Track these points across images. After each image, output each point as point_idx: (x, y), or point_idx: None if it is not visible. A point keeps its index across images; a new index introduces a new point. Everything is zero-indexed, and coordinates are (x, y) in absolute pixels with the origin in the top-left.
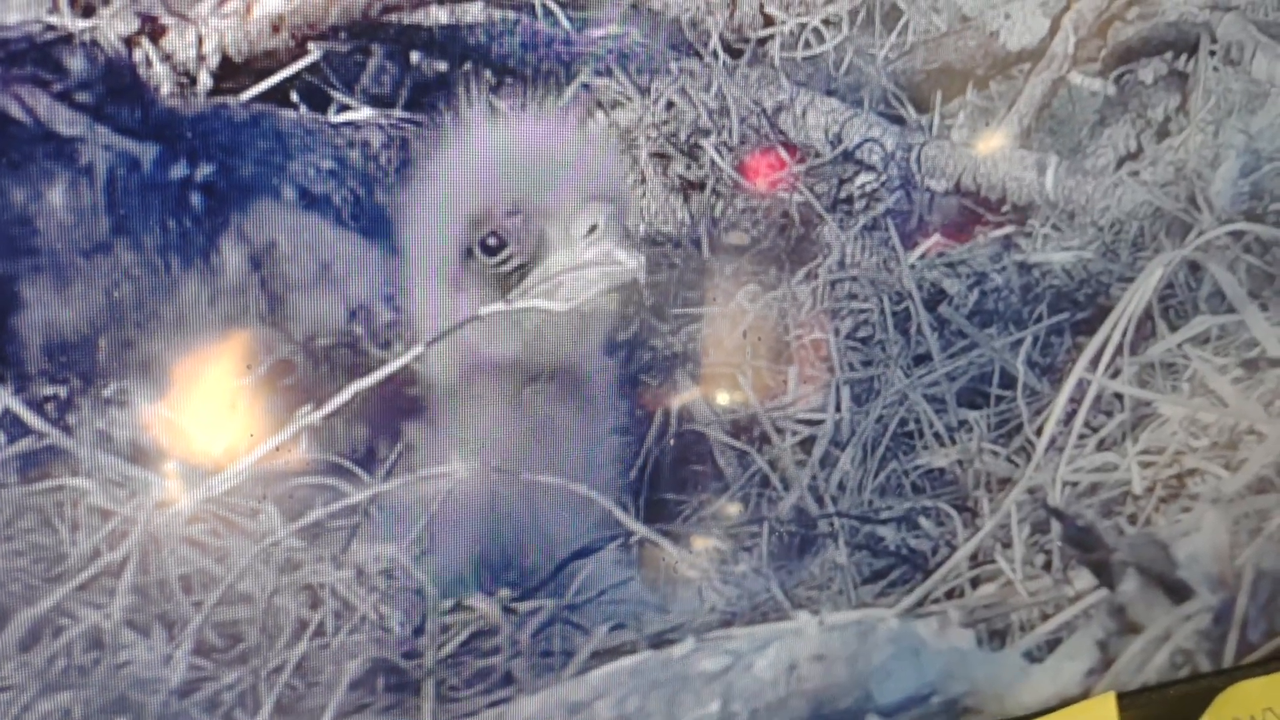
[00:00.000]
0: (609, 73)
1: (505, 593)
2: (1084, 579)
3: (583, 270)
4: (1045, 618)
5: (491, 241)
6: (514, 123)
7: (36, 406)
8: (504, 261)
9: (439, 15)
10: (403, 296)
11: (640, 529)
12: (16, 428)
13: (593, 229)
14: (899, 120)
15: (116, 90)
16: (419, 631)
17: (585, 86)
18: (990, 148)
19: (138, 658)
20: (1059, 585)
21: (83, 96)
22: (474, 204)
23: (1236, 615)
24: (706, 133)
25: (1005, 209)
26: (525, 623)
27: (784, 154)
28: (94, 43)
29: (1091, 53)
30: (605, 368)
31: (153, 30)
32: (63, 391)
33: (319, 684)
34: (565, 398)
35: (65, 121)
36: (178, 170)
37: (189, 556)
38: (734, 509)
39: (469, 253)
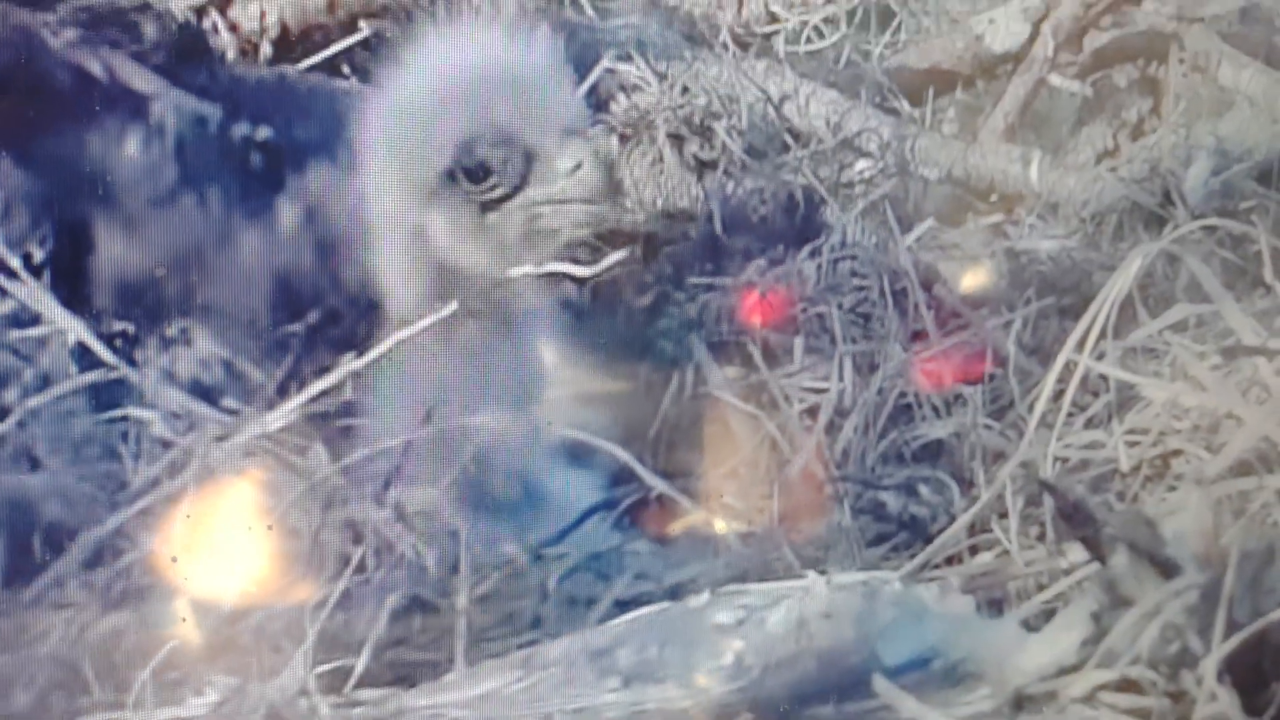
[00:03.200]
0: (629, 58)
1: (532, 539)
2: (1077, 551)
3: (564, 205)
4: (1041, 588)
5: (476, 168)
6: (515, 46)
7: (106, 340)
8: (489, 189)
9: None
10: (368, 205)
11: (660, 485)
12: (86, 360)
13: (578, 166)
14: (894, 112)
15: (186, 54)
16: (453, 571)
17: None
18: (979, 141)
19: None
20: (1053, 556)
21: (156, 58)
22: (461, 126)
23: (1224, 594)
24: (718, 116)
25: (993, 198)
26: (551, 569)
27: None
28: (167, 10)
29: (1070, 57)
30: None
31: (220, 1)
32: (130, 328)
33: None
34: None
35: (140, 79)
36: (240, 129)
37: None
38: (746, 470)
39: (450, 175)
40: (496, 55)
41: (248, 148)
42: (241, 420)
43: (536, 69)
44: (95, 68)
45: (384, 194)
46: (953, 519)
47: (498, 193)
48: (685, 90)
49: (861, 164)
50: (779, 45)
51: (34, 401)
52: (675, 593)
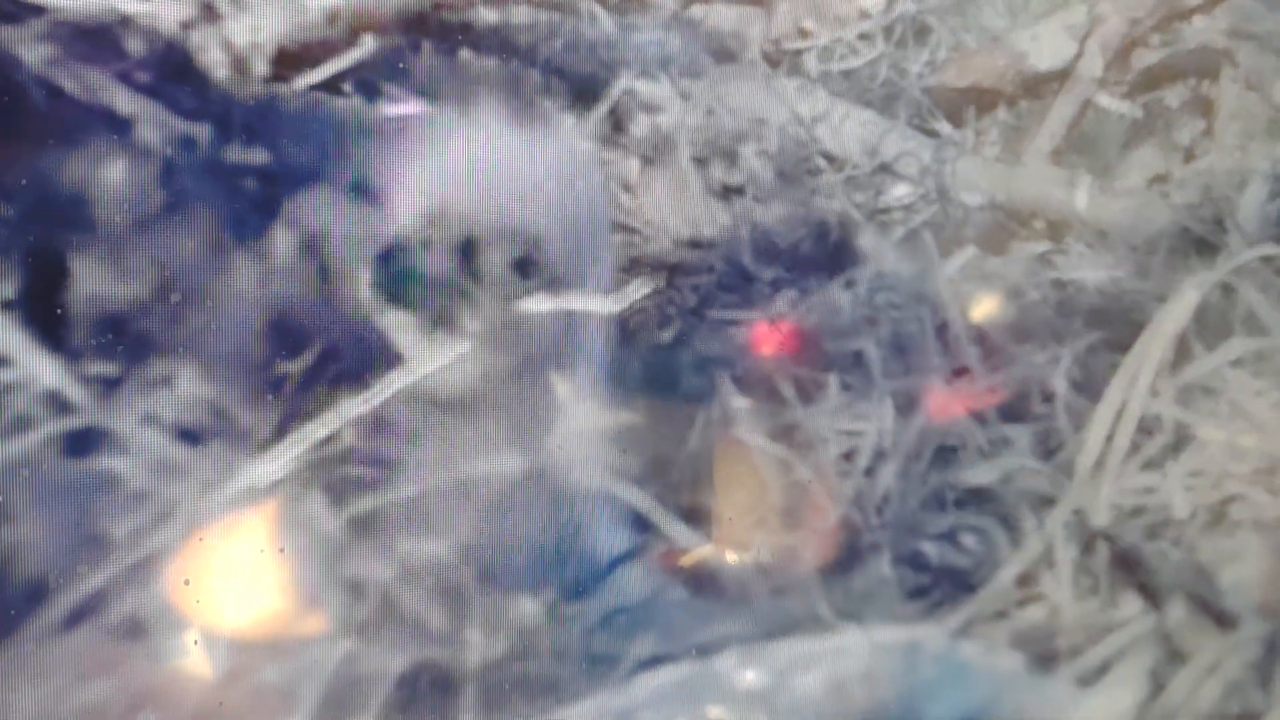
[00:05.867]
0: (652, 76)
1: (550, 595)
2: (1130, 603)
3: None
4: (1093, 642)
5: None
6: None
7: (83, 383)
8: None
9: (487, 16)
10: None
11: (684, 535)
12: (61, 404)
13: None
14: (933, 134)
15: (173, 72)
16: (463, 632)
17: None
18: (1023, 164)
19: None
20: (1106, 609)
21: (141, 77)
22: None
23: None
24: (746, 139)
25: (1039, 225)
26: (571, 627)
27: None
28: (152, 25)
29: (1118, 75)
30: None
31: (210, 15)
32: (110, 369)
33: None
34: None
35: (123, 100)
36: (232, 153)
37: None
38: (777, 517)
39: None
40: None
41: (240, 173)
42: (232, 469)
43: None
44: (74, 87)
45: None
46: (999, 570)
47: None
48: (710, 111)
49: (899, 189)
50: (811, 63)
51: (3, 450)
52: (702, 651)
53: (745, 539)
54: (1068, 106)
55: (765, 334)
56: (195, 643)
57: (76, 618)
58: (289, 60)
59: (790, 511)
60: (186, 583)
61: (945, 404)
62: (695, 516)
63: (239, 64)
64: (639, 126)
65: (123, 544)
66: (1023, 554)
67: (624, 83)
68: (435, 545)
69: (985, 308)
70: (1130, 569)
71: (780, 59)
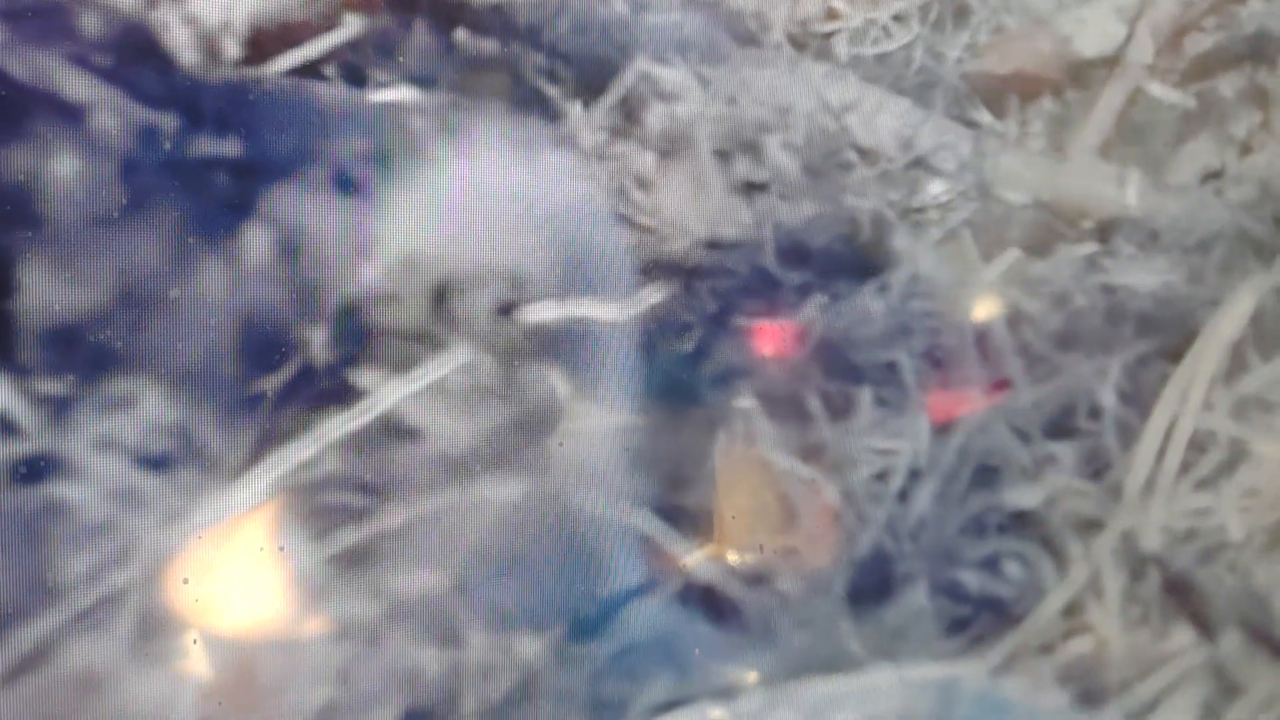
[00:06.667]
0: (667, 61)
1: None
2: (1182, 634)
3: None
4: (1143, 676)
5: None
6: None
7: (32, 403)
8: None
9: None
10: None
11: (700, 563)
12: (6, 427)
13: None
14: (973, 125)
15: (134, 55)
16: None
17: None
18: (1069, 158)
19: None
20: (1158, 640)
21: (98, 60)
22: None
23: None
24: (770, 130)
25: (1087, 225)
26: (577, 668)
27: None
28: (110, 3)
29: (1170, 62)
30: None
31: None
32: (62, 388)
33: None
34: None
35: (78, 85)
36: (200, 145)
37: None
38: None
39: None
40: None
41: (210, 167)
42: (199, 498)
43: None
44: (21, 71)
45: None
46: (1043, 600)
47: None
48: (732, 99)
49: (936, 185)
50: (841, 46)
51: None
52: (724, 694)
53: (769, 567)
54: (1116, 96)
55: (768, 333)
56: (195, 642)
57: (21, 668)
58: (264, 42)
59: (812, 535)
60: (185, 581)
61: (947, 405)
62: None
63: (208, 46)
64: (653, 116)
65: (77, 583)
66: (1068, 582)
67: (637, 68)
68: (425, 579)
69: (1029, 315)
70: (1182, 597)
71: (808, 42)
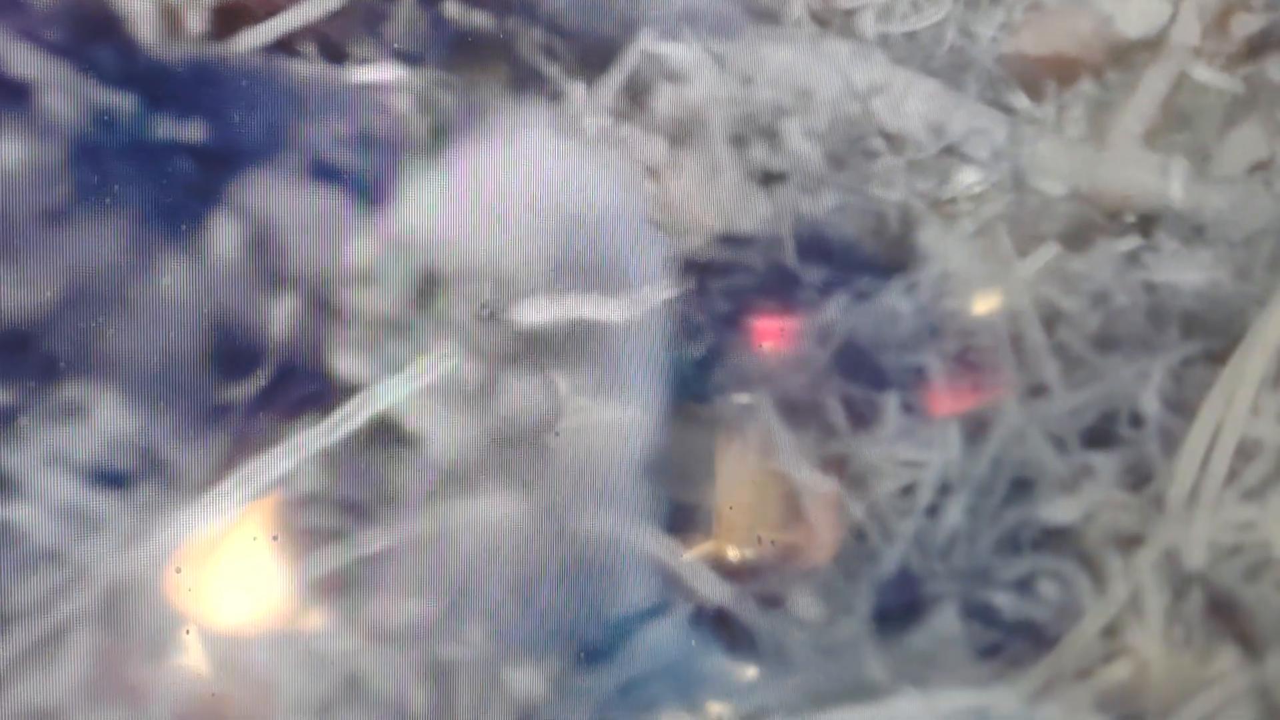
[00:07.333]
0: (677, 37)
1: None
2: (1227, 655)
3: None
4: (1185, 700)
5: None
6: None
7: None
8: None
9: None
10: None
11: (715, 587)
12: None
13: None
14: (1008, 110)
15: (89, 29)
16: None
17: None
18: (1109, 146)
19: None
20: (1201, 663)
21: (46, 34)
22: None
23: None
24: (789, 114)
25: (1129, 218)
26: (582, 699)
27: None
28: None
29: (1216, 44)
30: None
31: None
32: (7, 397)
33: None
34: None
35: (23, 61)
36: (162, 127)
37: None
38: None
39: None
40: None
41: (172, 151)
42: (159, 519)
43: None
44: None
45: None
46: (1081, 621)
47: None
48: (747, 80)
49: (968, 175)
50: (867, 23)
51: None
52: None
53: (792, 590)
54: (1160, 80)
55: (787, 335)
56: (187, 633)
57: None
58: (232, 14)
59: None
60: (178, 570)
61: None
62: (733, 565)
63: (171, 19)
64: (662, 99)
65: (23, 613)
66: (1107, 602)
67: (643, 45)
68: (414, 606)
69: (1066, 314)
70: (1227, 616)
71: (830, 18)
